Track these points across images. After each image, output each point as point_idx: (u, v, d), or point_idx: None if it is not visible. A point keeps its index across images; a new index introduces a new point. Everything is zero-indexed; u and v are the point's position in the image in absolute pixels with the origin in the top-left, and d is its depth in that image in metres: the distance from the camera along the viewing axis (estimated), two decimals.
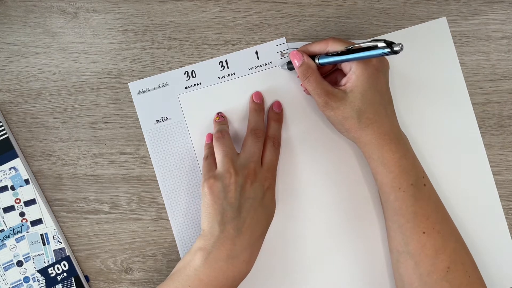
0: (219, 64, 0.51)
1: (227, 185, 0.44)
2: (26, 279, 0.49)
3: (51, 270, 0.50)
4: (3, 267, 0.49)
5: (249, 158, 0.46)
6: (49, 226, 0.50)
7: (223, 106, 0.51)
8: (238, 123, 0.51)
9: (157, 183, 0.51)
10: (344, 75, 0.46)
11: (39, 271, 0.49)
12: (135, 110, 0.51)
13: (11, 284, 0.49)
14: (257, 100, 0.50)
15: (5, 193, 0.50)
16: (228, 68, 0.51)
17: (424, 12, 0.51)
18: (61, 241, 0.50)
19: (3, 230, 0.50)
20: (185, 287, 0.42)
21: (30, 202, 0.50)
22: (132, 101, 0.51)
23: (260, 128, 0.48)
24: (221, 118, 0.50)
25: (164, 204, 0.51)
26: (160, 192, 0.51)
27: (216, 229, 0.43)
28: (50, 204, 0.51)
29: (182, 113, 0.51)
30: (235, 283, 0.43)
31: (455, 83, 0.50)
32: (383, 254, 0.49)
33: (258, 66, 0.51)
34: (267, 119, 0.50)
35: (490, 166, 0.50)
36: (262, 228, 0.45)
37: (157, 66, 0.51)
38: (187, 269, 0.43)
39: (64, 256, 0.50)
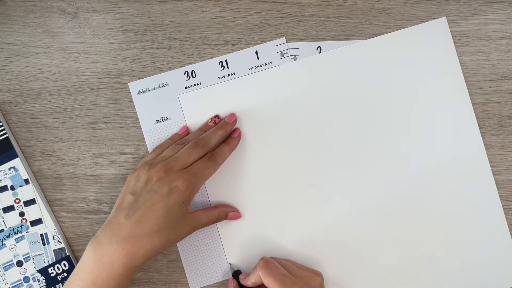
0: (219, 64, 0.51)
1: (139, 176, 0.45)
2: (26, 279, 0.49)
3: (51, 270, 0.50)
4: (3, 267, 0.49)
5: (174, 159, 0.45)
6: (49, 226, 0.50)
7: (223, 106, 0.51)
8: (238, 123, 0.50)
9: None
10: None
11: (39, 271, 0.49)
12: (135, 110, 0.51)
13: (11, 284, 0.49)
14: (229, 120, 0.49)
15: (4, 193, 0.50)
16: (228, 68, 0.51)
17: (424, 12, 0.51)
18: (61, 241, 0.50)
19: (2, 230, 0.50)
20: (73, 276, 0.42)
21: (29, 202, 0.50)
22: (132, 101, 0.51)
23: (207, 142, 0.47)
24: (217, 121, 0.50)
25: None
26: None
27: (111, 214, 0.44)
28: (50, 204, 0.51)
29: (182, 113, 0.51)
30: (114, 271, 0.41)
31: (455, 83, 0.50)
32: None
33: (258, 66, 0.51)
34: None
35: (490, 166, 0.50)
36: (157, 225, 0.42)
37: (157, 66, 0.51)
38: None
39: (64, 256, 0.50)
